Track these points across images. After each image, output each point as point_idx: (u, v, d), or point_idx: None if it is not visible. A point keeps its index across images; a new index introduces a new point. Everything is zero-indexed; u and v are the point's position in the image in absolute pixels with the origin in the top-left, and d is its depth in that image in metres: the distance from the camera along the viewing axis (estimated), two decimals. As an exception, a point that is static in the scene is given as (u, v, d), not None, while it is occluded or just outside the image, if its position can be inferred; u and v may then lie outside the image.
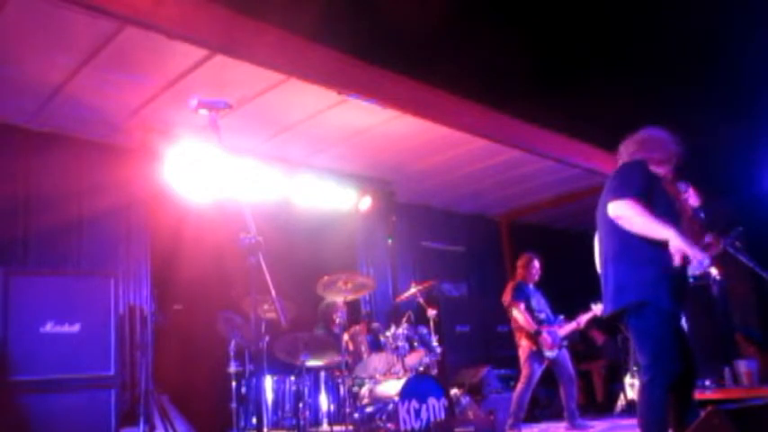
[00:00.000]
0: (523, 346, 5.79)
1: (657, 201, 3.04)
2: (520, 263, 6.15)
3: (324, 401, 5.09)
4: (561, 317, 6.00)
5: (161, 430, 4.55)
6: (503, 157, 6.80)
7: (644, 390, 3.01)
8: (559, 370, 5.77)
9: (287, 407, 5.01)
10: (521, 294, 5.91)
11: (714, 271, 4.42)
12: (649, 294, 2.98)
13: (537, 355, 5.69)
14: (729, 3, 5.12)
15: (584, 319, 5.95)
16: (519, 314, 5.79)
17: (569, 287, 6.65)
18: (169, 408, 4.74)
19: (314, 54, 4.73)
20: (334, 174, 6.78)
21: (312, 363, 5.03)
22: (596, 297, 6.35)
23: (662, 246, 2.96)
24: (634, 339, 3.12)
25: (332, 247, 6.59)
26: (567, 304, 6.14)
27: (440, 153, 6.61)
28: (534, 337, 5.70)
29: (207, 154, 5.38)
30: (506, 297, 5.97)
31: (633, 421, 6.50)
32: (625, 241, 3.06)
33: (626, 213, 2.97)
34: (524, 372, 5.71)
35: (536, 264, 6.07)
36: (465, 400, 5.64)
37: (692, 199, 3.37)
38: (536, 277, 6.07)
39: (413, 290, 5.89)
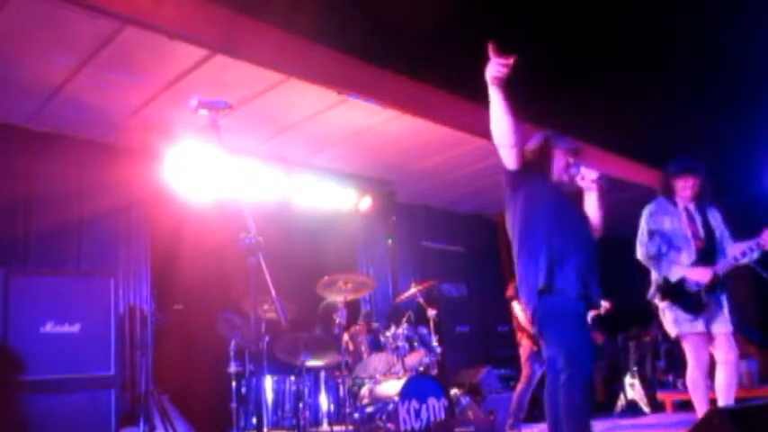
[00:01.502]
0: (524, 346, 5.78)
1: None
2: None
3: (324, 401, 5.09)
4: None
5: (161, 430, 4.54)
6: (503, 157, 6.79)
7: (563, 392, 2.95)
8: None
9: (287, 407, 5.01)
10: None
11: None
12: (547, 279, 3.01)
13: (538, 354, 5.68)
14: (730, 3, 5.12)
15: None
16: (520, 312, 5.78)
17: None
18: (169, 408, 4.73)
19: (314, 54, 4.73)
20: (334, 174, 6.78)
21: (312, 363, 5.03)
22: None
23: (553, 232, 3.06)
24: (546, 337, 3.12)
25: (332, 247, 6.59)
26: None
27: (440, 153, 6.61)
28: (535, 336, 5.69)
29: (207, 154, 5.38)
30: (510, 292, 5.96)
31: (633, 421, 6.51)
32: (522, 234, 3.15)
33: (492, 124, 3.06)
34: (525, 371, 5.71)
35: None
36: (465, 400, 5.63)
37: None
38: None
39: (413, 290, 5.89)
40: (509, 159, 3.09)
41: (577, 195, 3.32)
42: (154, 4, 3.92)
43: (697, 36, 5.41)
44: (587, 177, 3.22)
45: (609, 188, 3.26)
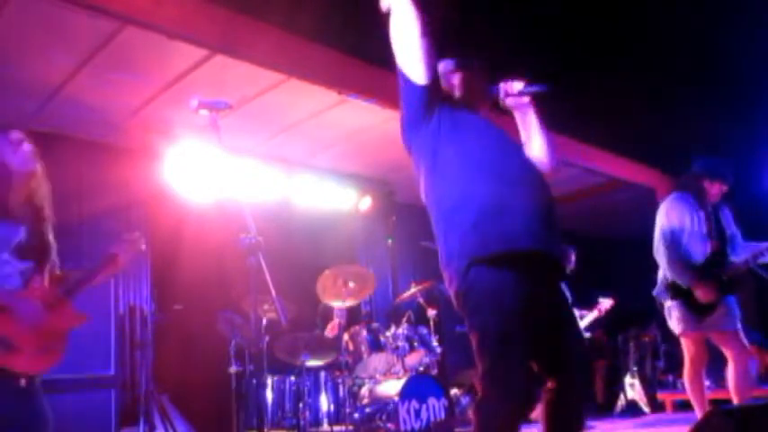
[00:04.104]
0: None
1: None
2: None
3: (324, 401, 5.10)
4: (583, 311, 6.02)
5: (161, 430, 4.55)
6: (503, 157, 6.79)
7: (476, 410, 2.10)
8: None
9: (287, 407, 5.01)
10: None
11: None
12: (480, 244, 2.11)
13: None
14: (730, 3, 5.12)
15: (603, 307, 5.95)
16: None
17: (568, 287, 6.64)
18: (169, 408, 4.74)
19: (314, 54, 4.73)
20: (334, 174, 6.78)
21: (312, 363, 5.03)
22: (597, 297, 6.35)
23: (486, 174, 2.22)
24: (470, 328, 2.15)
25: (332, 248, 6.59)
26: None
27: (440, 153, 6.60)
28: None
29: (207, 154, 5.38)
30: None
31: (633, 421, 6.49)
32: (441, 184, 2.28)
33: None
34: None
35: (572, 257, 6.03)
36: (465, 400, 5.64)
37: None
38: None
39: (413, 290, 5.88)
40: (418, 65, 2.27)
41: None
42: (154, 4, 3.92)
43: (697, 36, 5.41)
44: (512, 91, 2.44)
45: (547, 92, 2.48)
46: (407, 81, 2.32)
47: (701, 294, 3.82)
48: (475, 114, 2.43)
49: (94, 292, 4.23)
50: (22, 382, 2.40)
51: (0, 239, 2.50)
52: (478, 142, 2.30)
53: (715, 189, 4.03)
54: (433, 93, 2.34)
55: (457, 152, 2.28)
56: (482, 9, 4.62)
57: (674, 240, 3.94)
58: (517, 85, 2.45)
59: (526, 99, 2.47)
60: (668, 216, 4.02)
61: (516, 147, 2.42)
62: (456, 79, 2.51)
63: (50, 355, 2.49)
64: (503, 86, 2.47)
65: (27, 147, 2.65)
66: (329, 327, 5.45)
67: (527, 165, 2.37)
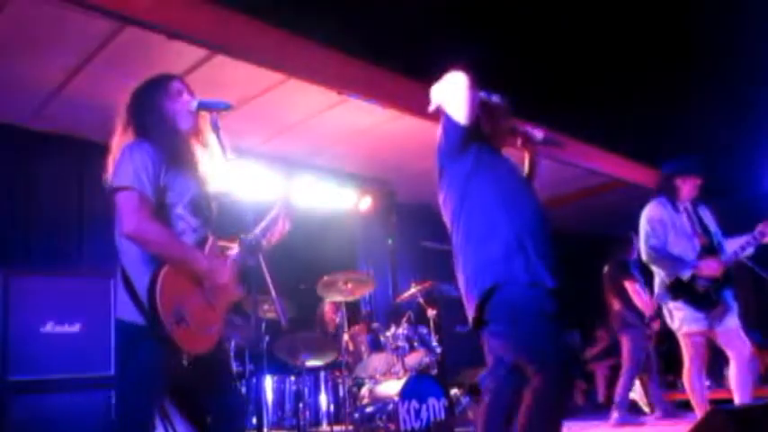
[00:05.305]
0: (632, 332, 5.76)
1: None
2: (623, 244, 6.05)
3: (324, 401, 5.10)
4: None
5: (161, 430, 4.54)
6: (503, 157, 6.79)
7: (529, 404, 2.48)
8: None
9: (287, 407, 5.01)
10: (636, 270, 5.84)
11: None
12: (491, 274, 2.51)
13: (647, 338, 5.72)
14: (731, 3, 5.12)
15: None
16: (636, 293, 5.71)
17: (569, 289, 6.64)
18: (169, 408, 4.73)
19: (314, 54, 4.73)
20: (334, 174, 6.78)
21: (312, 363, 5.03)
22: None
23: (515, 207, 2.58)
24: (501, 337, 2.60)
25: (332, 248, 6.59)
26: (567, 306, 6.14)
27: (440, 153, 6.59)
28: (649, 320, 5.71)
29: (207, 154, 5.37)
30: (610, 272, 5.90)
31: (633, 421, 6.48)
32: (474, 211, 2.67)
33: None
34: (634, 357, 5.70)
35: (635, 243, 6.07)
36: (465, 400, 5.63)
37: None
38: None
39: (413, 290, 5.89)
40: (463, 109, 2.55)
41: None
42: (153, 4, 3.92)
43: (697, 36, 5.41)
44: (534, 138, 2.81)
45: (561, 146, 2.87)
46: (450, 119, 2.61)
47: (707, 269, 3.85)
48: (500, 154, 2.75)
49: (94, 292, 4.24)
50: (185, 360, 2.21)
51: (175, 192, 2.36)
52: (506, 183, 2.63)
53: (688, 184, 4.07)
54: (472, 132, 2.62)
55: (487, 190, 2.60)
56: (483, 11, 4.62)
57: (657, 238, 3.98)
58: (538, 134, 2.81)
59: (538, 148, 2.86)
60: (648, 220, 4.07)
61: (529, 185, 2.78)
62: (487, 113, 2.78)
63: (210, 337, 2.31)
64: (525, 130, 2.82)
65: (187, 98, 2.46)
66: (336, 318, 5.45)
67: (538, 203, 2.69)
